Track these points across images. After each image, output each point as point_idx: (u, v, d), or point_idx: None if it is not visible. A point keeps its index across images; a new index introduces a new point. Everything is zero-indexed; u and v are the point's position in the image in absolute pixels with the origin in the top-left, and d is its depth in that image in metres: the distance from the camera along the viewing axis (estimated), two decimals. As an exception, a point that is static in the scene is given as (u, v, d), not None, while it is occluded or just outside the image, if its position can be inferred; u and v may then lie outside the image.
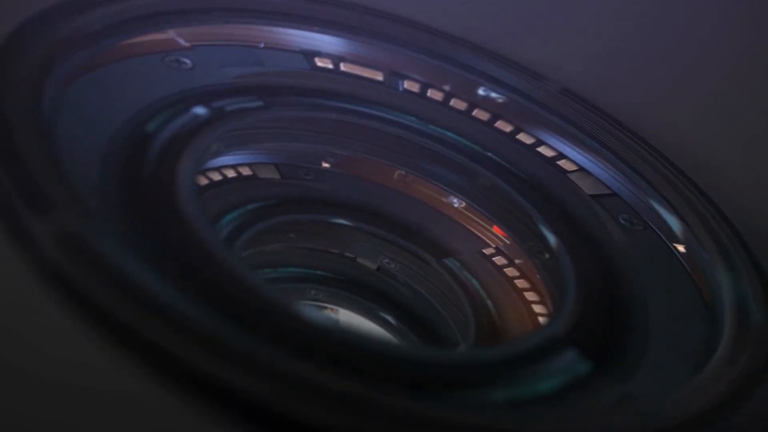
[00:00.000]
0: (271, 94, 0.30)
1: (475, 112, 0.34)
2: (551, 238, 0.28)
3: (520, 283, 0.31)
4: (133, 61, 0.29)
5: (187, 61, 0.30)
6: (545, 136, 0.33)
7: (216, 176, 0.31)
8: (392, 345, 0.28)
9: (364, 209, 0.32)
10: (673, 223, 0.30)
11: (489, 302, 0.30)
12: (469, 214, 0.32)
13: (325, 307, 0.33)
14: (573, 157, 0.33)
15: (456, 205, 0.32)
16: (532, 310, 0.30)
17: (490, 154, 0.31)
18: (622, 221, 0.31)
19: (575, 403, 0.23)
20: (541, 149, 0.33)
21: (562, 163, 0.33)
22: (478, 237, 0.32)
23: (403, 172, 0.32)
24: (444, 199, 0.32)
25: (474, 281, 0.31)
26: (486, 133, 0.33)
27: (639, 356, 0.24)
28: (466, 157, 0.31)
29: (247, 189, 0.31)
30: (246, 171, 0.32)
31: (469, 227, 0.32)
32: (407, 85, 0.34)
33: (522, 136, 0.34)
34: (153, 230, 0.22)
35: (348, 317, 0.33)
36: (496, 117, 0.34)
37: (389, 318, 0.33)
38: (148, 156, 0.25)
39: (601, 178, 0.32)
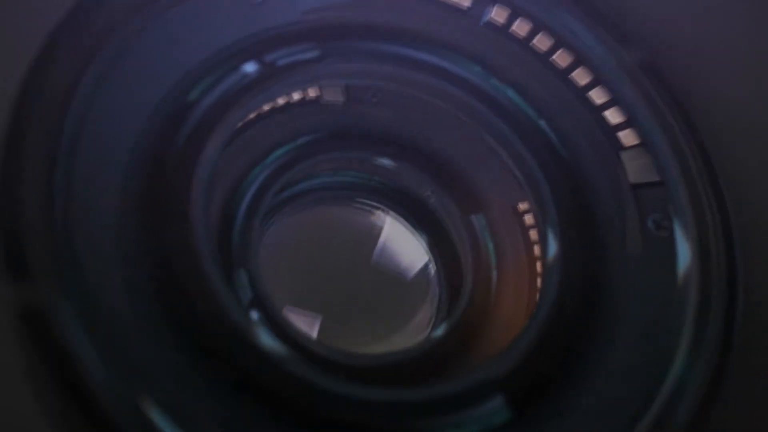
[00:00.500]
0: (333, 37, 0.31)
1: (553, 57, 0.33)
2: (553, 247, 0.29)
3: (537, 251, 0.33)
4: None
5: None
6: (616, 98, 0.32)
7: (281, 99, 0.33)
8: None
9: (411, 145, 0.33)
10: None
11: (494, 273, 0.32)
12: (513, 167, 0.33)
13: (377, 209, 0.36)
14: (636, 130, 0.32)
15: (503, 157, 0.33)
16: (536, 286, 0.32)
17: (542, 122, 0.31)
18: (650, 224, 0.31)
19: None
20: (608, 113, 0.32)
21: (623, 134, 0.32)
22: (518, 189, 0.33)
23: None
24: (492, 146, 0.33)
25: (490, 245, 0.33)
26: (551, 89, 0.32)
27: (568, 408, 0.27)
28: (518, 120, 0.31)
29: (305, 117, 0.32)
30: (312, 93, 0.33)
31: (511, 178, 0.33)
32: (494, 13, 0.33)
33: (593, 93, 0.33)
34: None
35: (392, 223, 0.35)
36: (572, 67, 0.33)
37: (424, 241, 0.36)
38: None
39: (655, 161, 0.31)
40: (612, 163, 0.32)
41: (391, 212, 0.36)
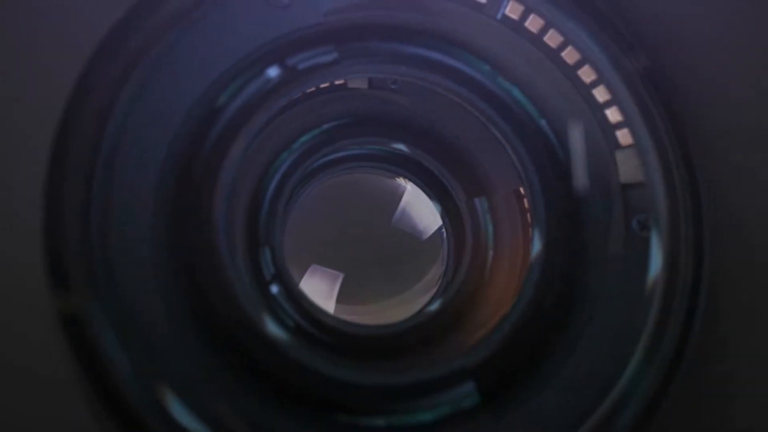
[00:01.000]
0: (351, 39, 0.33)
1: (562, 54, 0.34)
2: (537, 245, 0.32)
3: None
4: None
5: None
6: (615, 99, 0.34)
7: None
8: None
9: (425, 131, 0.35)
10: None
11: (491, 253, 0.35)
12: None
13: (399, 176, 0.38)
14: (631, 131, 0.33)
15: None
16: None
17: (543, 122, 0.33)
18: (635, 224, 0.33)
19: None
20: (608, 112, 0.34)
21: (620, 134, 0.34)
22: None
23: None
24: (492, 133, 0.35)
25: (490, 227, 0.35)
26: (556, 87, 0.33)
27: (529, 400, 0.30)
28: (520, 120, 0.33)
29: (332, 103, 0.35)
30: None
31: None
32: (509, 9, 0.34)
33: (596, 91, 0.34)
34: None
35: (412, 190, 0.38)
36: (579, 65, 0.34)
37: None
38: None
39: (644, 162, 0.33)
40: (605, 162, 0.34)
41: (410, 182, 0.39)
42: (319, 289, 0.37)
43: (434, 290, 0.37)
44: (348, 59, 0.33)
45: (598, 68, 0.34)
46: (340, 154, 0.37)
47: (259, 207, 0.35)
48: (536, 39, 0.34)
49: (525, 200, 0.36)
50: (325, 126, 0.36)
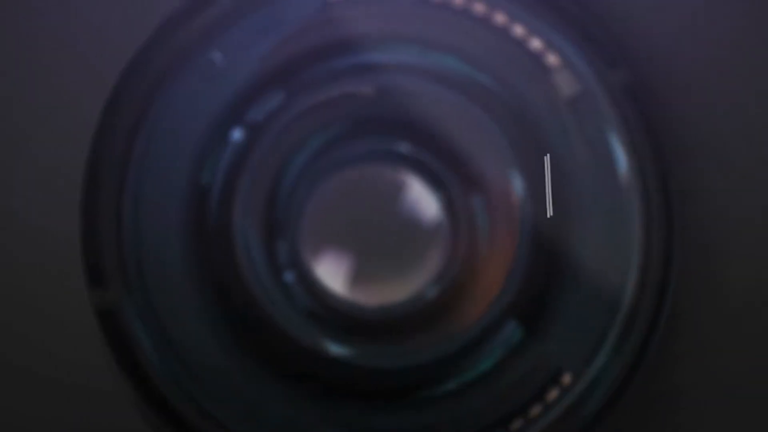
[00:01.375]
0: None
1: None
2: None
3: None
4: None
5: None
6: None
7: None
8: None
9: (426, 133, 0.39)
10: None
11: (484, 245, 0.38)
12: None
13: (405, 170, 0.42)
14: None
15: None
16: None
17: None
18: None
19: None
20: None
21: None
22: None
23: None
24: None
25: (485, 223, 0.39)
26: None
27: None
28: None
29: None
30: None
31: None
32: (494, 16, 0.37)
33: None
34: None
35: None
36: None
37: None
38: None
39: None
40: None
41: (416, 176, 0.42)
42: (332, 271, 0.41)
43: (434, 272, 0.41)
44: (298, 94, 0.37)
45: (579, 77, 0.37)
46: (347, 154, 0.40)
47: (274, 205, 0.38)
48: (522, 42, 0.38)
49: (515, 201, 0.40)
50: (331, 129, 0.39)
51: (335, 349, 0.36)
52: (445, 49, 0.36)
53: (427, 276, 0.42)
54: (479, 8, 0.37)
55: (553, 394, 0.34)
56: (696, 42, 0.39)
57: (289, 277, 0.40)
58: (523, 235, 0.36)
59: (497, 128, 0.37)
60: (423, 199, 0.43)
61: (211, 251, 0.34)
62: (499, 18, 0.36)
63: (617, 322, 0.35)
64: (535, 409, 0.34)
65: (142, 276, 0.33)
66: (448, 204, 0.40)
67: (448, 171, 0.40)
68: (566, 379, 0.34)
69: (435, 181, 0.41)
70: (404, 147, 0.40)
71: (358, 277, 0.41)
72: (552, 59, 0.37)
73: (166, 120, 0.34)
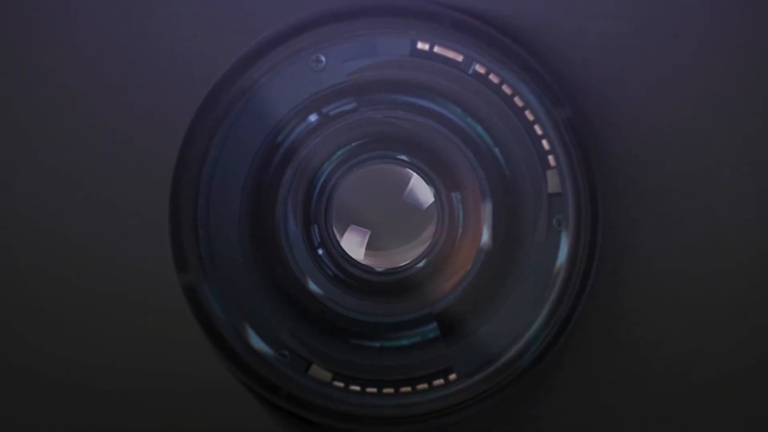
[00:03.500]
0: (364, 92, 0.48)
1: (514, 99, 0.49)
2: (485, 235, 0.48)
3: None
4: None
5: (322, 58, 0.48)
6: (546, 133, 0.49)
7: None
8: None
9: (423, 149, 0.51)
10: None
11: (460, 230, 0.51)
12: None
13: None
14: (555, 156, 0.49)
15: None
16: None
17: (496, 150, 0.49)
18: (554, 222, 0.48)
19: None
20: (544, 142, 0.49)
21: (550, 158, 0.49)
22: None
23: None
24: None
25: (461, 213, 0.51)
26: (507, 124, 0.49)
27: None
28: (480, 150, 0.49)
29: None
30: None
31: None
32: (477, 68, 0.49)
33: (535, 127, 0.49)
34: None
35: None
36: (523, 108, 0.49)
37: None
38: None
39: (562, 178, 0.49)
40: (539, 177, 0.49)
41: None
42: (355, 242, 0.55)
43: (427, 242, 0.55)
44: (363, 107, 0.49)
45: (535, 113, 0.49)
46: (363, 160, 0.53)
47: (310, 200, 0.51)
48: (496, 89, 0.50)
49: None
50: (353, 144, 0.52)
51: (348, 303, 0.51)
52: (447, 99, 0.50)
53: (420, 250, 0.56)
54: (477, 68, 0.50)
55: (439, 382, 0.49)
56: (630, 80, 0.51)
57: (320, 251, 0.54)
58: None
59: (469, 151, 0.50)
60: (420, 193, 0.57)
61: (263, 240, 0.48)
62: (480, 69, 0.49)
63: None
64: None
65: (213, 261, 0.47)
66: (437, 197, 0.54)
67: (435, 175, 0.53)
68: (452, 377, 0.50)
69: (426, 180, 0.54)
70: (404, 156, 0.54)
71: (371, 248, 0.56)
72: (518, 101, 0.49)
73: (229, 145, 0.48)
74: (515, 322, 0.49)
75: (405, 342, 0.50)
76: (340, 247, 0.51)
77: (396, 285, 0.52)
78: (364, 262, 0.52)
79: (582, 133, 0.49)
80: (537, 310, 0.49)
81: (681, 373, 0.52)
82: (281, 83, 0.48)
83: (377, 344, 0.50)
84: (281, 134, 0.49)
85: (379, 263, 0.54)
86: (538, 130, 0.49)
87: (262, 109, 0.49)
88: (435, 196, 0.53)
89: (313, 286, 0.50)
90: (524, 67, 0.49)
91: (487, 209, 0.50)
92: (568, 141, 0.49)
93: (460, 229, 0.53)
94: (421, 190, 0.54)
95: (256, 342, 0.48)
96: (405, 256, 0.54)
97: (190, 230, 0.47)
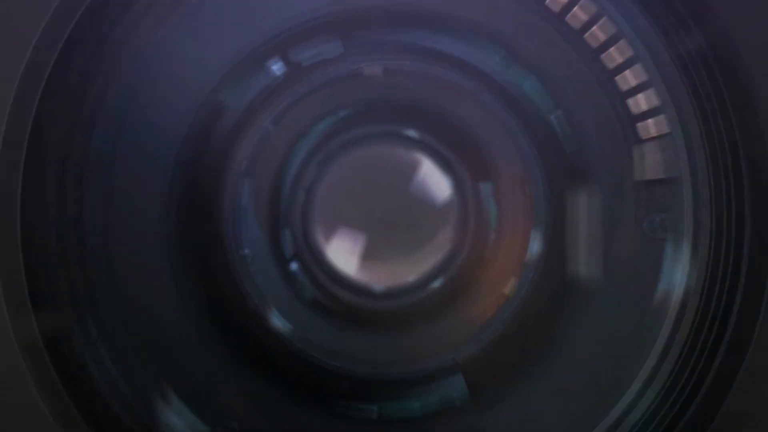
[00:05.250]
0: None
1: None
2: (536, 244, 0.32)
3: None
4: None
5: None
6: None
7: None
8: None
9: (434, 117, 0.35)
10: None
11: (492, 234, 0.35)
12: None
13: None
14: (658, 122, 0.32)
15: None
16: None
17: (554, 115, 0.32)
18: (646, 226, 0.32)
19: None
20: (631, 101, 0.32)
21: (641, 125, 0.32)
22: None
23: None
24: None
25: (493, 210, 0.35)
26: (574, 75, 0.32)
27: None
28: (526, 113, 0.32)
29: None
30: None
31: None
32: None
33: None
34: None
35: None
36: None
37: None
38: None
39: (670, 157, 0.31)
40: (620, 156, 0.33)
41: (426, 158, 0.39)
42: (344, 251, 0.39)
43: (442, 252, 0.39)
44: (353, 53, 0.33)
45: (633, 48, 0.31)
46: (355, 138, 0.37)
47: (280, 192, 0.36)
48: (558, 18, 0.33)
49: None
50: (341, 113, 0.36)
51: (332, 343, 0.34)
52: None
53: (434, 262, 0.40)
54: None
55: None
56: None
57: (294, 266, 0.37)
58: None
59: (512, 119, 0.33)
60: (432, 184, 0.41)
61: (200, 250, 0.32)
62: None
63: None
64: None
65: (114, 285, 0.30)
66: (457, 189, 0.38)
67: (457, 157, 0.37)
68: None
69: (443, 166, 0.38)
70: (412, 132, 0.37)
71: (367, 259, 0.40)
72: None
73: (136, 108, 0.31)
74: (593, 380, 0.32)
75: (416, 405, 0.33)
76: (324, 258, 0.36)
77: (402, 314, 0.37)
78: (357, 279, 0.36)
79: (718, 76, 0.29)
80: (632, 365, 0.31)
81: None
82: (225, 10, 0.32)
83: (374, 410, 0.33)
84: (223, 91, 0.32)
85: (378, 279, 0.38)
86: (631, 79, 0.32)
87: (191, 52, 0.31)
88: (455, 188, 0.37)
89: (277, 321, 0.34)
90: None
91: (536, 205, 0.34)
92: (690, 92, 0.30)
93: (493, 234, 0.37)
94: (436, 180, 0.39)
95: (173, 418, 0.31)
96: (413, 269, 0.38)
97: (58, 246, 0.29)
